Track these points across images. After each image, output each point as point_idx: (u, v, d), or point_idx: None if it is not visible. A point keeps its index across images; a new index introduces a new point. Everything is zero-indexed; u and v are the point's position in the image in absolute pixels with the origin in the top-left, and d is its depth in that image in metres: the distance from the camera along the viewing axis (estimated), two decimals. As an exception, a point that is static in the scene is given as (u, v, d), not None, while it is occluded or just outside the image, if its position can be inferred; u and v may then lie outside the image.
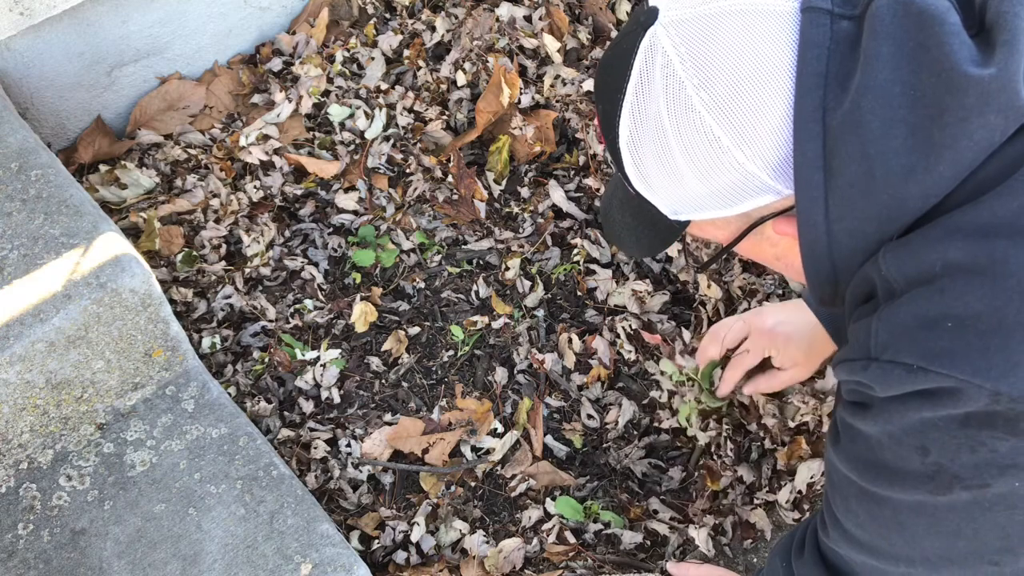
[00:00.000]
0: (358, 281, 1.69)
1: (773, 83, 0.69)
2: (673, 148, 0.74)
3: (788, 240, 0.78)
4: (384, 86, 1.90)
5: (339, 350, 1.60)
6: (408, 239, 1.74)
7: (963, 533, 0.72)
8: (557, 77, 1.89)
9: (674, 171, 0.75)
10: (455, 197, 1.79)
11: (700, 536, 1.38)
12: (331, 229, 1.75)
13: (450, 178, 1.80)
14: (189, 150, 1.81)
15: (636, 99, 0.75)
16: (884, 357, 0.69)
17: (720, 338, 1.41)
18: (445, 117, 1.87)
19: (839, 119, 0.67)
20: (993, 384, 0.63)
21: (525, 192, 1.80)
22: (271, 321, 1.63)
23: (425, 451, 1.49)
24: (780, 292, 1.61)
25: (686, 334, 1.58)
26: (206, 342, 1.58)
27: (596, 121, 0.82)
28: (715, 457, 1.47)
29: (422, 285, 1.69)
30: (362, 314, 1.63)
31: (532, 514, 1.44)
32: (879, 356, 0.69)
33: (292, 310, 1.65)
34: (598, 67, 0.83)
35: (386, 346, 1.62)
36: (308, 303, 1.65)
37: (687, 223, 0.83)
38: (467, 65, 1.89)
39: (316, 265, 1.70)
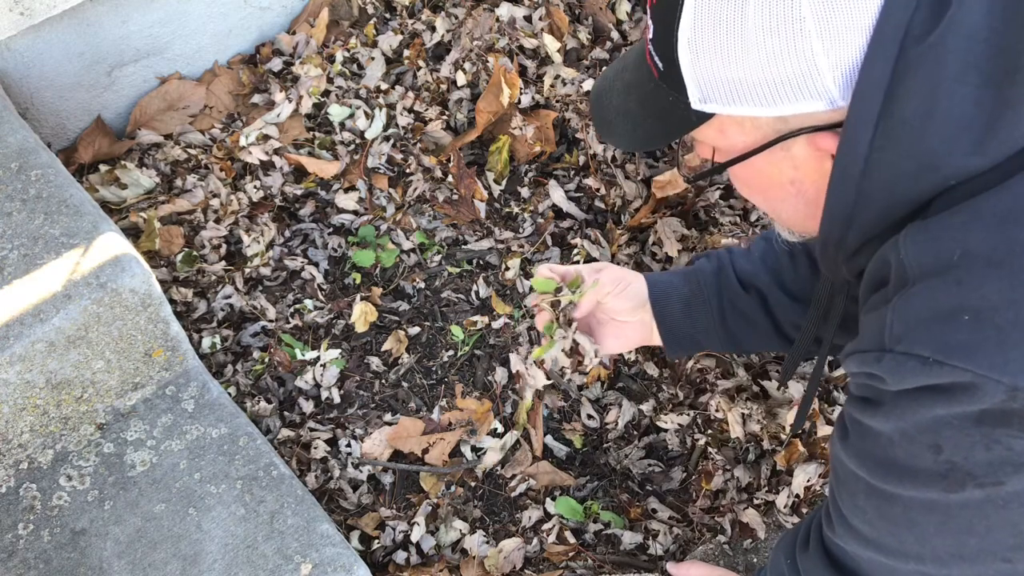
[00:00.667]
0: (358, 281, 1.69)
1: None
2: (749, 17, 0.67)
3: (814, 161, 0.74)
4: (384, 86, 1.90)
5: (339, 350, 1.60)
6: (408, 239, 1.74)
7: (975, 531, 0.71)
8: (557, 77, 1.89)
9: (737, 44, 0.69)
10: (455, 197, 1.79)
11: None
12: (331, 229, 1.75)
13: (450, 178, 1.80)
14: (189, 150, 1.81)
15: None
16: (898, 349, 0.67)
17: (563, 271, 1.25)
18: (445, 117, 1.87)
19: (920, 51, 0.64)
20: (1011, 379, 0.61)
21: (525, 192, 1.80)
22: (271, 321, 1.63)
23: (425, 451, 1.49)
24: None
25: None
26: (206, 342, 1.58)
27: None
28: (707, 459, 1.47)
29: (422, 285, 1.69)
30: (362, 314, 1.63)
31: (532, 514, 1.44)
32: (893, 348, 0.67)
33: (292, 310, 1.65)
34: None
35: (386, 346, 1.62)
36: (308, 303, 1.65)
37: (707, 119, 0.75)
38: (467, 65, 1.89)
39: (316, 265, 1.70)
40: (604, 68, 0.99)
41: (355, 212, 1.77)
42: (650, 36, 0.76)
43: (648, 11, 0.77)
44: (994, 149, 0.65)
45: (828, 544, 0.91)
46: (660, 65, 0.75)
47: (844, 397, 1.46)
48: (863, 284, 0.76)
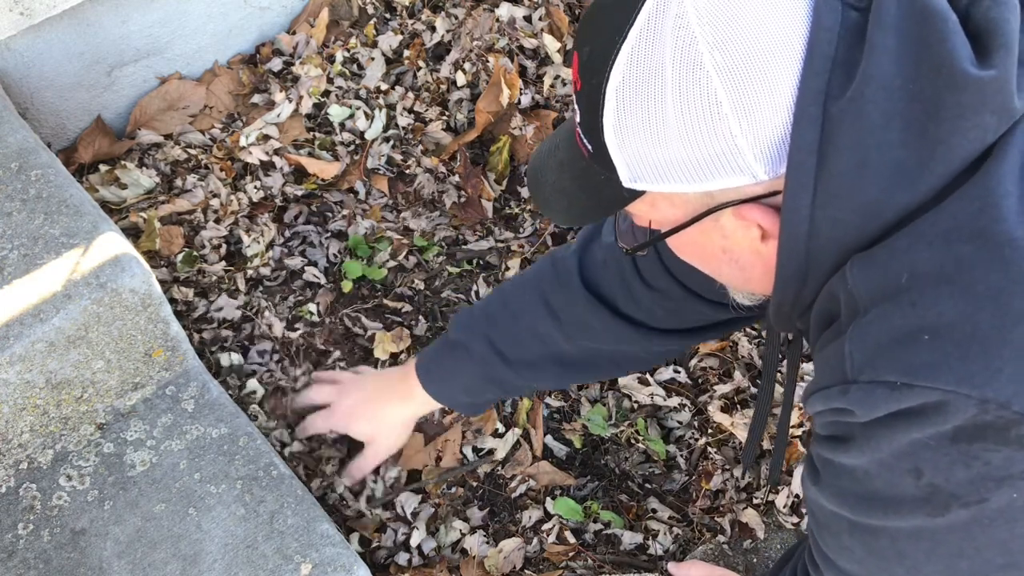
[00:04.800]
0: (347, 290, 1.67)
1: (785, 61, 0.67)
2: (667, 104, 0.69)
3: (742, 231, 0.76)
4: (384, 86, 1.90)
5: (339, 350, 1.60)
6: (408, 240, 1.74)
7: (965, 553, 0.70)
8: (557, 77, 1.89)
9: (659, 129, 0.71)
10: (462, 198, 1.78)
11: None
12: (329, 233, 1.75)
13: (456, 178, 1.80)
14: (189, 150, 1.81)
15: (639, 44, 0.70)
16: (863, 378, 0.67)
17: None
18: (445, 117, 1.87)
19: (840, 107, 0.66)
20: (979, 392, 0.62)
21: (525, 192, 1.80)
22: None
23: (438, 459, 1.49)
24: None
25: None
26: (206, 342, 1.58)
27: (574, 62, 0.78)
28: (707, 459, 1.47)
29: (422, 285, 1.69)
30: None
31: (532, 514, 1.44)
32: (857, 378, 0.67)
33: (292, 311, 1.65)
34: (592, 5, 0.77)
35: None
36: (309, 306, 1.65)
37: (638, 195, 0.77)
38: (467, 65, 1.89)
39: (315, 265, 1.70)
40: (537, 146, 1.02)
41: (354, 215, 1.77)
42: (578, 120, 0.78)
43: (574, 96, 0.79)
44: (931, 183, 0.66)
45: None
46: (589, 146, 0.77)
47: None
48: (813, 323, 0.77)
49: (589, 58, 0.74)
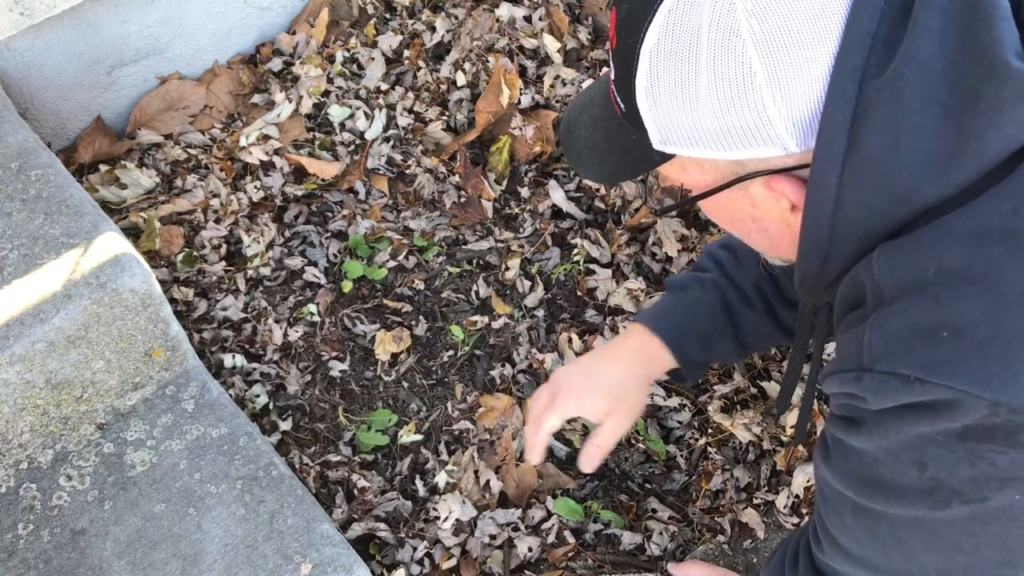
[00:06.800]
0: (347, 290, 1.67)
1: (824, 33, 0.66)
2: (701, 69, 0.68)
3: (771, 201, 0.75)
4: (384, 86, 1.90)
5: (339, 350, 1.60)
6: (408, 240, 1.74)
7: (963, 548, 0.71)
8: (557, 77, 1.89)
9: (691, 94, 0.70)
10: (462, 198, 1.78)
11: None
12: (329, 233, 1.75)
13: (456, 178, 1.80)
14: (189, 150, 1.81)
15: (677, 6, 0.69)
16: (878, 368, 0.66)
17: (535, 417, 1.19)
18: (445, 117, 1.87)
19: (877, 85, 0.64)
20: (993, 395, 0.61)
21: (525, 192, 1.80)
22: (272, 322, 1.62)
23: (497, 469, 1.48)
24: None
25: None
26: (206, 341, 1.58)
27: (612, 18, 0.76)
28: (707, 459, 1.47)
29: (422, 285, 1.69)
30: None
31: (533, 514, 1.44)
32: (873, 367, 0.67)
33: (292, 312, 1.65)
34: None
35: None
36: (310, 306, 1.65)
37: (669, 157, 0.76)
38: (467, 65, 1.89)
39: (315, 265, 1.70)
40: (572, 98, 0.99)
41: (354, 215, 1.77)
42: (612, 78, 0.78)
43: (609, 53, 0.78)
44: (961, 177, 0.65)
45: (818, 564, 0.91)
46: (623, 106, 0.77)
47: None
48: (837, 305, 0.76)
49: (627, 15, 0.73)
